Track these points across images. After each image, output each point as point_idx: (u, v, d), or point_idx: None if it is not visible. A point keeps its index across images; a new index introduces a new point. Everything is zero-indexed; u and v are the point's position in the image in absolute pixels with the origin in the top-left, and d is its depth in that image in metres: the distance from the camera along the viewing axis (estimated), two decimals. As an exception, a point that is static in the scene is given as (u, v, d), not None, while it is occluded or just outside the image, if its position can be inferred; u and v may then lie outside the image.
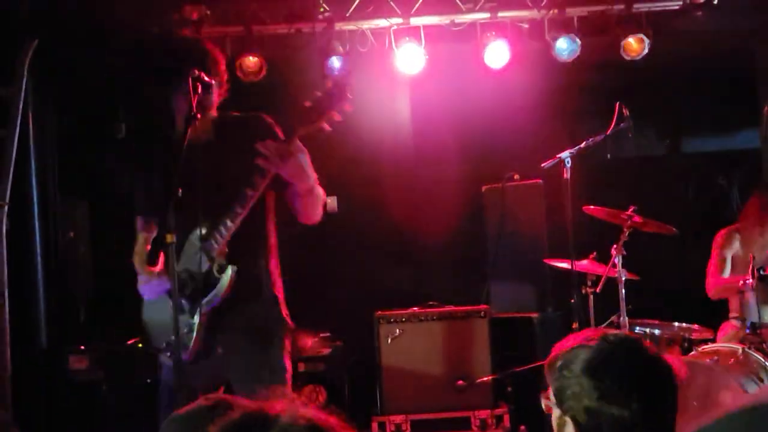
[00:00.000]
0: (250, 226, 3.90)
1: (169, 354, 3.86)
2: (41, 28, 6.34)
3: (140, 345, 4.11)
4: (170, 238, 3.52)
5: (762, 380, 5.11)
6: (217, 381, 3.93)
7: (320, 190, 3.98)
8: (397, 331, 6.60)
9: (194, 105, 3.67)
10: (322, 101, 3.75)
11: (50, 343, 6.60)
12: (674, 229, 5.85)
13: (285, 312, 4.07)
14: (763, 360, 5.25)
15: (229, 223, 3.78)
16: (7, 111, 6.24)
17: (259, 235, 4.01)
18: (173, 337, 3.70)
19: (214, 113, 4.00)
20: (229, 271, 3.82)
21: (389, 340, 6.60)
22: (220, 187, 3.84)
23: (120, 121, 6.88)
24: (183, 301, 3.81)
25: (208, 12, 6.72)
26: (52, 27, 6.45)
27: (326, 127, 3.77)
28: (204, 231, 3.79)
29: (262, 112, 4.08)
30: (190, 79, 3.70)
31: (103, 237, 7.12)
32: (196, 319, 3.79)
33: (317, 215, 4.06)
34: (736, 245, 6.21)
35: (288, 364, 4.01)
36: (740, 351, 5.30)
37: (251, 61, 6.81)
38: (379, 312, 6.67)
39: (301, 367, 6.63)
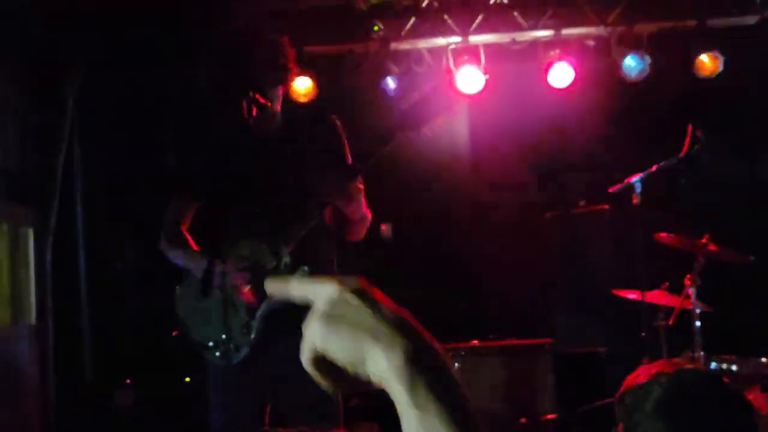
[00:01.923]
0: (319, 226, 3.78)
1: (218, 354, 3.73)
2: (89, 53, 6.29)
3: (178, 338, 3.92)
4: (222, 266, 3.35)
5: None
6: (265, 389, 3.80)
7: (368, 215, 3.88)
8: (456, 365, 6.40)
9: (251, 128, 3.57)
10: (422, 106, 3.55)
11: (96, 376, 6.51)
12: (752, 257, 5.56)
13: None
14: None
15: (296, 231, 3.66)
16: (54, 138, 6.21)
17: (327, 233, 3.88)
18: (223, 336, 3.65)
19: (278, 107, 3.86)
20: (302, 271, 3.67)
21: (448, 375, 6.37)
22: (288, 183, 3.74)
23: (169, 149, 6.78)
24: (240, 298, 3.67)
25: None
26: (100, 52, 6.40)
27: (428, 133, 3.56)
28: (268, 226, 3.68)
29: (332, 114, 3.95)
30: (244, 102, 3.57)
31: (150, 268, 7.02)
32: (256, 319, 3.65)
33: (362, 235, 3.97)
34: None
35: None
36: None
37: (303, 81, 6.69)
38: (437, 345, 6.44)
39: (354, 403, 6.45)
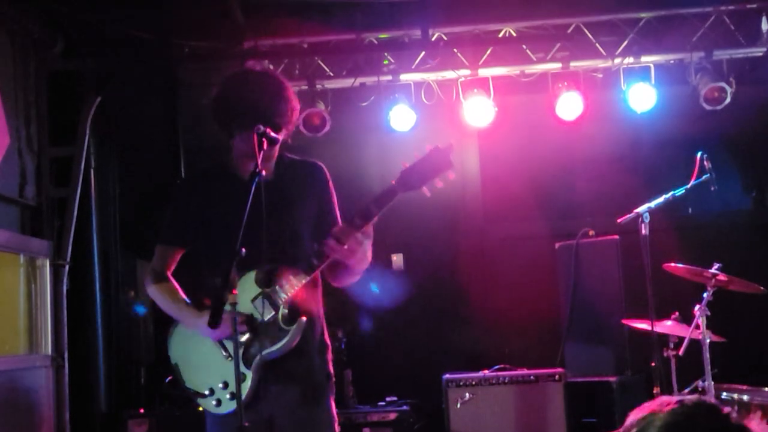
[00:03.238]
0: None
1: (214, 402, 3.70)
2: (104, 87, 6.36)
3: (172, 385, 3.87)
4: (233, 298, 3.35)
5: None
6: None
7: (367, 264, 3.83)
8: (467, 395, 6.39)
9: (259, 161, 3.51)
10: (423, 166, 3.58)
11: (110, 406, 6.51)
12: (762, 287, 5.54)
13: (331, 361, 3.92)
14: None
15: (295, 282, 3.63)
16: (70, 171, 6.26)
17: (317, 283, 3.86)
18: (220, 384, 3.62)
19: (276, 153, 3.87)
20: (301, 322, 3.66)
21: (459, 405, 6.37)
22: (280, 229, 3.71)
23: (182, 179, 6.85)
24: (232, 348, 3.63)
25: (272, 66, 6.68)
26: (116, 85, 6.46)
27: (427, 193, 3.59)
28: (264, 275, 3.63)
29: (320, 162, 3.95)
30: (255, 135, 3.56)
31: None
32: (252, 369, 3.63)
33: (351, 281, 3.94)
34: None
35: (335, 415, 3.86)
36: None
37: (315, 115, 6.73)
38: (448, 375, 6.45)
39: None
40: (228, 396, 3.67)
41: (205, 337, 3.70)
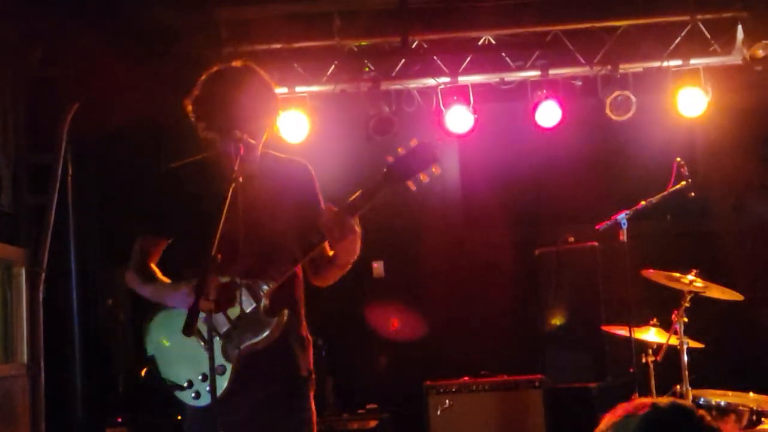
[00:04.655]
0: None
1: (193, 395, 3.61)
2: (83, 94, 6.32)
3: (148, 378, 3.82)
4: (208, 305, 3.32)
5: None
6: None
7: (351, 261, 3.76)
8: (447, 402, 6.42)
9: (236, 167, 3.49)
10: (408, 160, 3.54)
11: (87, 414, 6.47)
12: (739, 294, 5.55)
13: (311, 355, 3.86)
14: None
15: (278, 274, 3.58)
16: (47, 178, 6.22)
17: (298, 277, 3.81)
18: (200, 377, 3.54)
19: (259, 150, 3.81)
20: (283, 314, 3.60)
21: (439, 412, 6.40)
22: (259, 225, 3.63)
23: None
24: (215, 339, 3.53)
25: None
26: (95, 91, 6.43)
27: (412, 187, 3.54)
28: (244, 267, 3.56)
29: (305, 162, 3.90)
30: (232, 141, 3.53)
31: (143, 304, 7.00)
32: (232, 361, 3.57)
33: (333, 280, 3.88)
34: None
35: (314, 410, 3.80)
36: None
37: (294, 121, 6.72)
38: (428, 382, 6.46)
39: None
40: (208, 388, 3.52)
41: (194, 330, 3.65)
